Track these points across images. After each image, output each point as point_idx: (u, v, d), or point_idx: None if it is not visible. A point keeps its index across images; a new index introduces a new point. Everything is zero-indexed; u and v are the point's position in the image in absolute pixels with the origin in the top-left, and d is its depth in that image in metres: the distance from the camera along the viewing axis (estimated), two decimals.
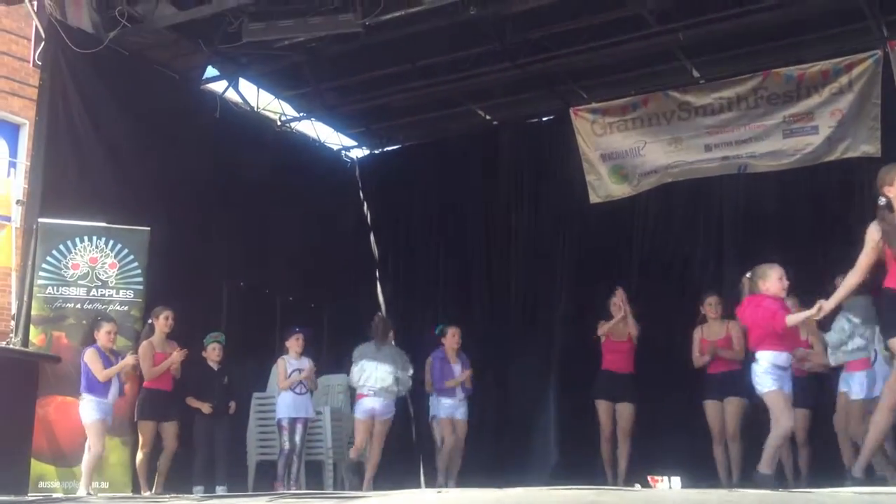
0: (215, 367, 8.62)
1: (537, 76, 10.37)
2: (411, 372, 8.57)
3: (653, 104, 10.05)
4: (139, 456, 8.05)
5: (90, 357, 7.57)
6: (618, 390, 8.49)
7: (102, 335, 7.71)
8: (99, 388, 7.54)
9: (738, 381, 7.80)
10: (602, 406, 8.54)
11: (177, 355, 8.16)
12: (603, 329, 8.60)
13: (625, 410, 8.45)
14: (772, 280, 6.18)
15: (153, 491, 7.99)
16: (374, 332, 8.57)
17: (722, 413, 7.94)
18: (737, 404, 7.80)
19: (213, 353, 8.60)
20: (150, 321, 8.28)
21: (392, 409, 8.48)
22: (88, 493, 7.29)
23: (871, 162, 8.98)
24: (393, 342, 8.80)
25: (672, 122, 10.01)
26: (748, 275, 6.29)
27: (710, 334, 8.14)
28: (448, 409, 8.65)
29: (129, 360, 7.80)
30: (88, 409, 7.52)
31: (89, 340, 7.75)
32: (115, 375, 7.63)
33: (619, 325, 8.57)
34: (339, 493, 6.34)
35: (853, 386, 6.99)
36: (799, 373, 7.83)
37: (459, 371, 8.72)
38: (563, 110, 10.70)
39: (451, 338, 8.76)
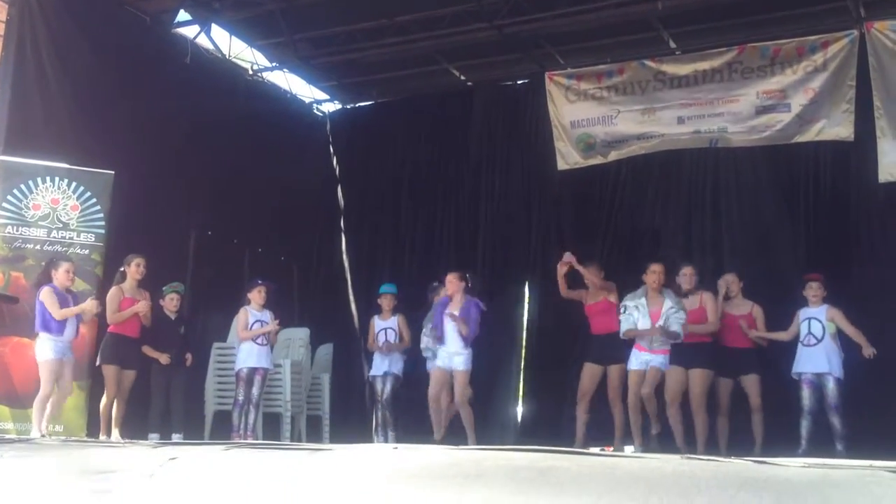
0: (172, 316, 8.55)
1: (514, 38, 10.30)
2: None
3: (628, 73, 10.03)
4: (104, 400, 7.99)
5: (45, 296, 7.47)
6: (604, 353, 8.30)
7: (61, 274, 7.60)
8: (54, 327, 7.45)
9: (705, 352, 7.89)
10: (586, 368, 8.39)
11: (142, 305, 8.12)
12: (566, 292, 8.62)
13: (612, 373, 8.22)
14: None
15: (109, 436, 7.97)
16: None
17: (684, 383, 7.85)
18: (701, 375, 7.80)
19: (170, 303, 8.53)
20: (122, 269, 8.20)
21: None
22: (42, 435, 7.22)
23: (844, 145, 9.07)
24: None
25: (647, 92, 10.00)
26: None
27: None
28: (443, 358, 8.15)
29: (88, 305, 7.69)
30: (44, 348, 7.43)
31: (44, 280, 7.63)
32: (72, 316, 7.55)
33: (593, 288, 8.49)
34: (296, 445, 6.33)
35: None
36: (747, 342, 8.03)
37: (451, 321, 8.15)
38: (538, 74, 10.65)
39: (448, 285, 8.30)
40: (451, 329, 8.09)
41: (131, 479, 3.64)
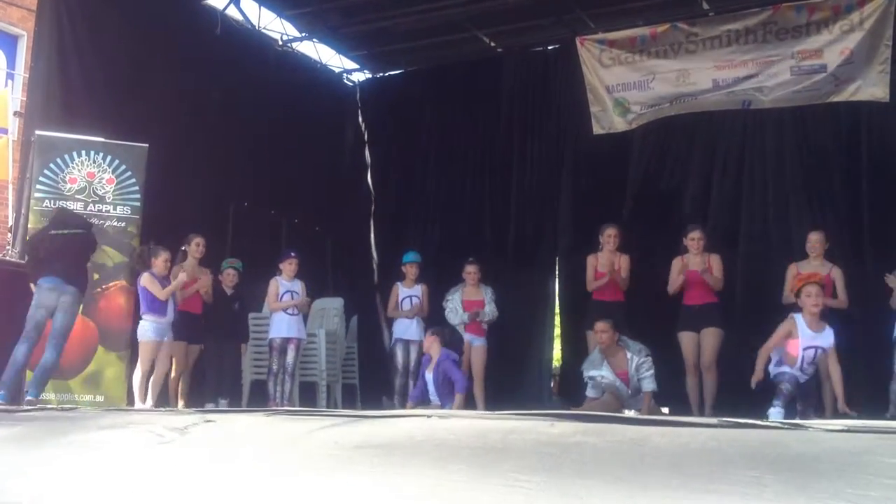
0: (228, 291, 8.75)
1: (544, 3, 10.19)
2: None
3: (661, 36, 9.90)
4: (172, 375, 8.23)
5: (147, 281, 7.81)
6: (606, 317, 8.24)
7: (160, 262, 7.93)
8: (157, 308, 7.78)
9: (714, 312, 7.93)
10: (589, 336, 8.39)
11: (205, 280, 8.43)
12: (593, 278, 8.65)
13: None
14: None
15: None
16: None
17: (697, 345, 7.93)
18: (714, 335, 7.84)
19: (227, 278, 8.77)
20: (183, 248, 8.44)
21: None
22: (142, 406, 7.56)
23: (878, 106, 8.91)
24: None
25: (679, 55, 9.87)
26: None
27: (690, 264, 8.09)
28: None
29: (182, 276, 8.01)
30: (145, 329, 7.79)
31: (143, 268, 7.94)
32: (170, 297, 7.86)
33: (606, 257, 8.53)
34: (333, 411, 6.41)
35: None
36: None
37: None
38: (569, 39, 10.54)
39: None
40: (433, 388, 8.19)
41: (163, 434, 3.70)
